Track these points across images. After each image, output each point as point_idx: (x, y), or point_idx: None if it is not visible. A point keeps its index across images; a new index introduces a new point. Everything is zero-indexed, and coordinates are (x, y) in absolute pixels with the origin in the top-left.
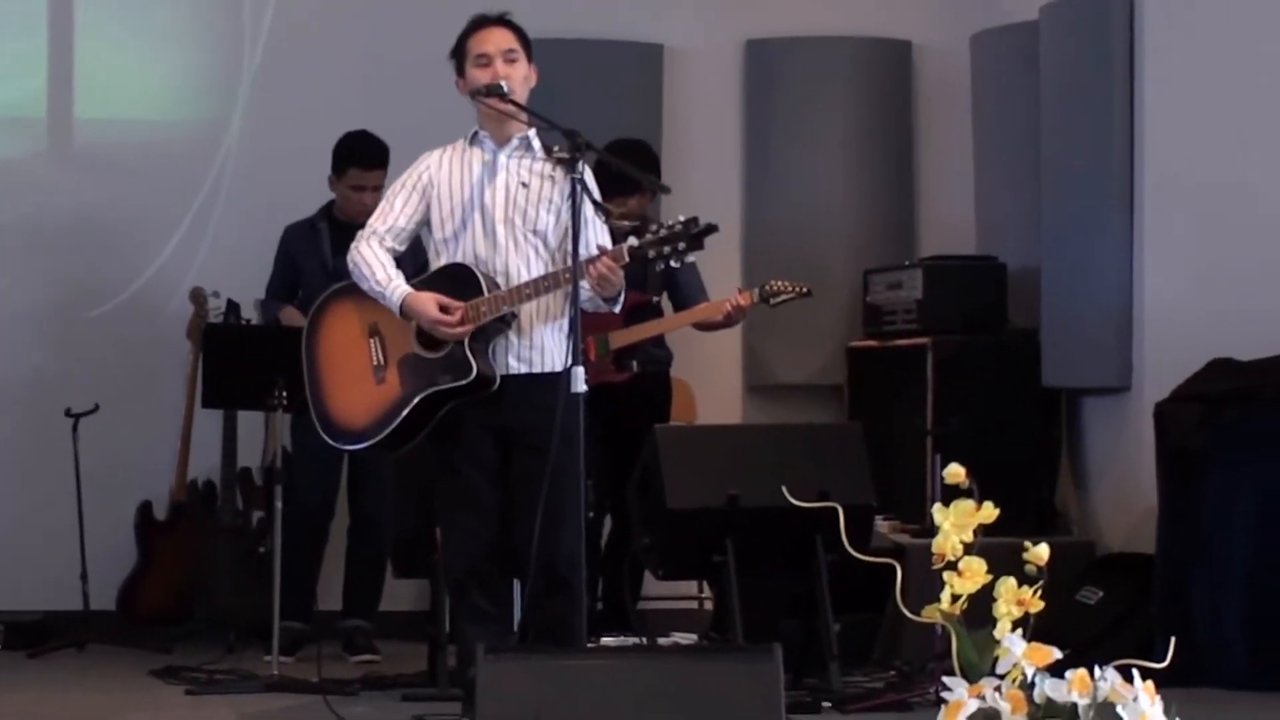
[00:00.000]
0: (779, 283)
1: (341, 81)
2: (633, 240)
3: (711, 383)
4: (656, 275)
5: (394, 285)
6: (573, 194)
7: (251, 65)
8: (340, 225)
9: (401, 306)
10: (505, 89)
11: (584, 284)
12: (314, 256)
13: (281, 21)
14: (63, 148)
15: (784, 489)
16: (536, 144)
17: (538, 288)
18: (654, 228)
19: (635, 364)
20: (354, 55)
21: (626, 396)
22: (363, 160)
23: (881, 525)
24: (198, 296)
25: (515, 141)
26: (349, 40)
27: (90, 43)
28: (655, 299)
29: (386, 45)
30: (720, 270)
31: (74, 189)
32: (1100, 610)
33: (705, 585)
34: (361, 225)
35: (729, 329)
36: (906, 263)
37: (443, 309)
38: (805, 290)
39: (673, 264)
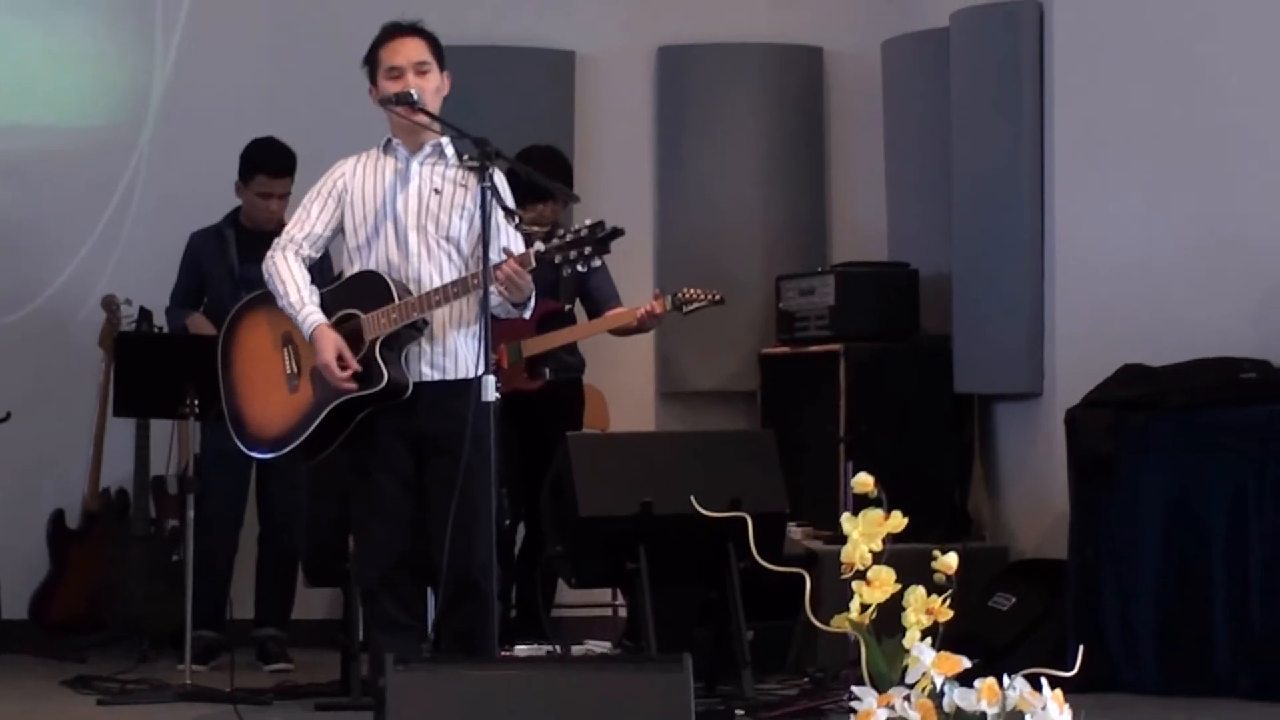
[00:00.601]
0: (691, 290)
1: (255, 88)
2: (539, 245)
3: (624, 389)
4: (569, 282)
5: (307, 312)
6: (483, 201)
7: (163, 71)
8: (247, 232)
9: (311, 335)
10: (415, 97)
11: (494, 290)
12: (220, 264)
13: (194, 28)
14: None
15: (693, 500)
16: (449, 151)
17: (448, 294)
18: (561, 232)
19: (547, 371)
20: (267, 62)
21: (539, 404)
22: (270, 167)
23: (794, 531)
24: (110, 304)
25: (428, 149)
26: (262, 47)
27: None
28: (568, 306)
29: (300, 52)
30: (633, 276)
31: None
32: (1013, 616)
33: (618, 593)
34: (268, 232)
35: (642, 334)
36: (819, 269)
37: (340, 359)
38: (718, 298)
39: (580, 268)
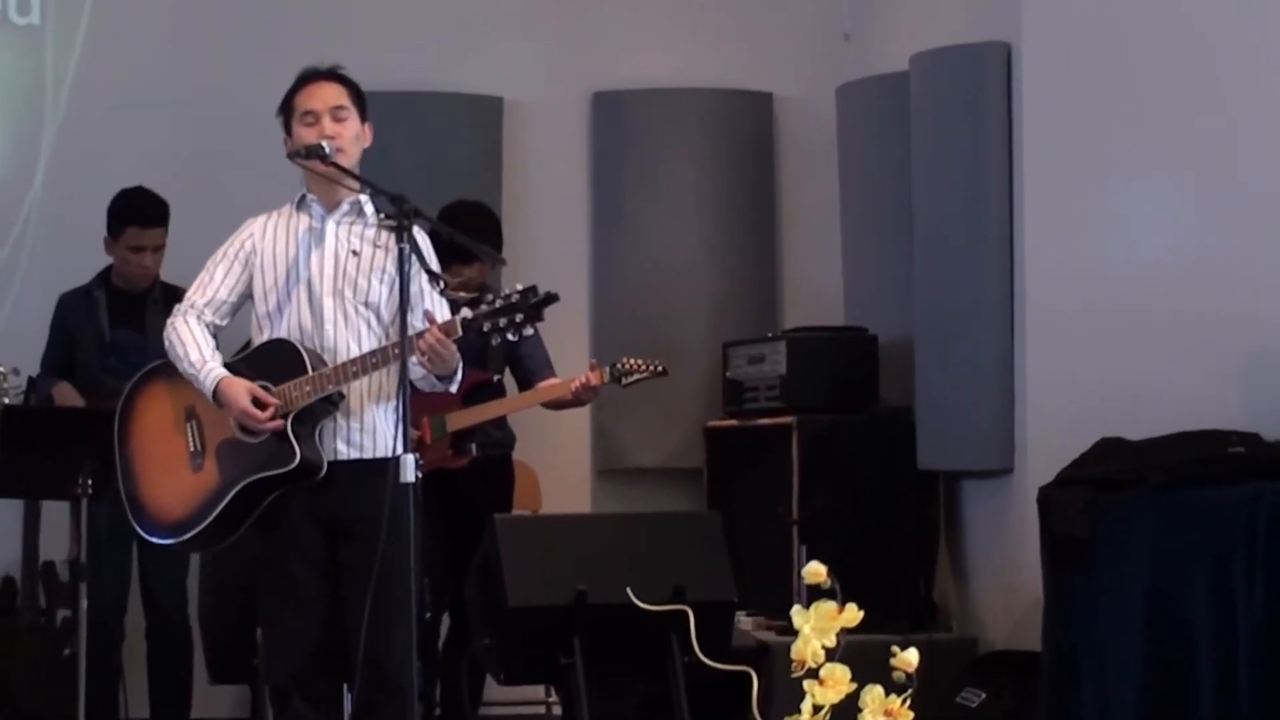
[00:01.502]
0: (632, 361)
1: (154, 142)
2: (466, 312)
3: (557, 466)
4: (498, 351)
5: (208, 368)
6: (400, 266)
7: (54, 121)
8: (118, 293)
9: (215, 392)
10: (327, 150)
11: (416, 361)
12: (90, 328)
13: (88, 71)
14: None
15: (629, 591)
16: (369, 209)
17: (365, 365)
18: (489, 298)
19: (474, 447)
20: (167, 114)
21: (465, 483)
22: (141, 218)
23: (744, 621)
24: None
25: (345, 206)
26: (161, 98)
27: None
28: (497, 377)
29: (202, 103)
30: (567, 343)
31: None
32: (983, 713)
33: (552, 690)
34: (140, 293)
35: (578, 407)
36: (769, 335)
37: (256, 401)
38: (660, 369)
39: (510, 337)
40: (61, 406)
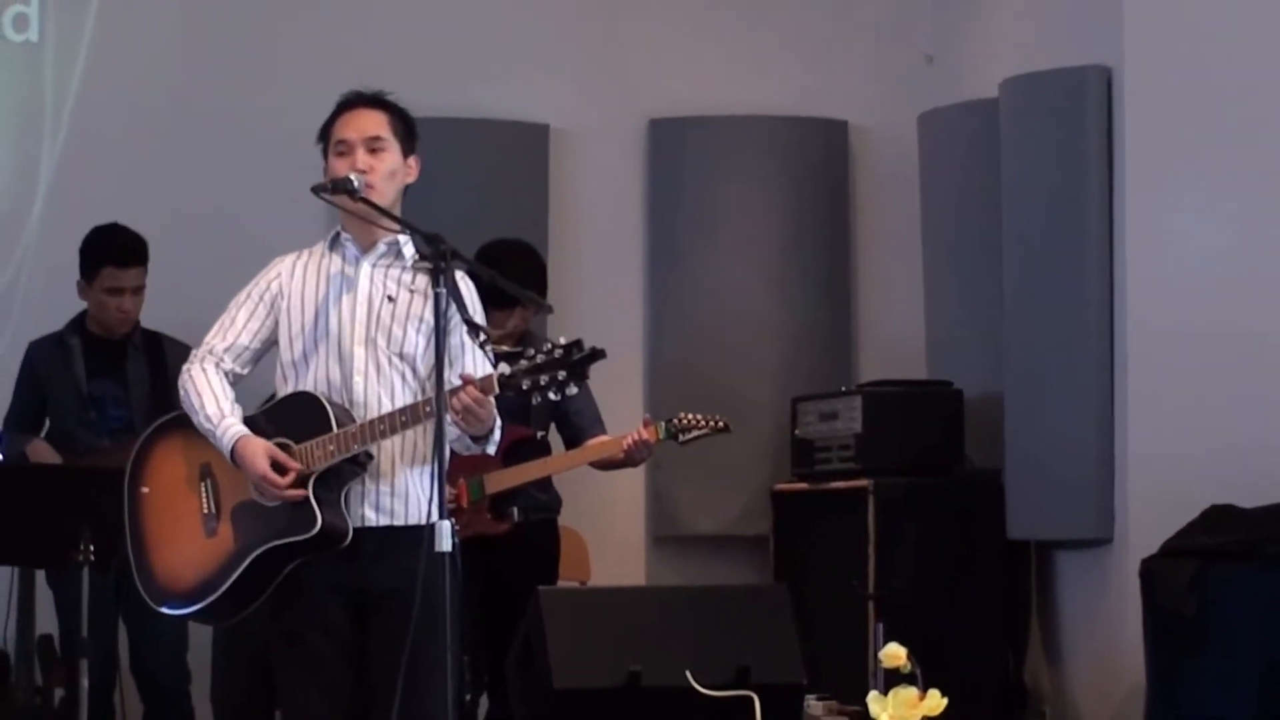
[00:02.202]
0: (689, 416)
1: (161, 169)
2: (504, 368)
3: (609, 533)
4: (542, 406)
5: (226, 424)
6: (435, 313)
7: (54, 146)
8: (95, 340)
9: (232, 451)
10: (355, 185)
11: (450, 421)
12: (65, 379)
13: (91, 92)
14: None
15: (688, 674)
16: (408, 250)
17: (395, 423)
18: (530, 353)
19: (516, 511)
20: (176, 138)
21: (506, 551)
22: (117, 257)
23: (814, 706)
24: None
25: (382, 247)
26: (170, 120)
27: None
28: (541, 433)
29: (215, 128)
30: (620, 397)
31: None
32: None
33: None
34: (118, 340)
35: (630, 468)
36: (843, 389)
37: (275, 465)
38: (721, 424)
39: (552, 396)
40: (57, 464)
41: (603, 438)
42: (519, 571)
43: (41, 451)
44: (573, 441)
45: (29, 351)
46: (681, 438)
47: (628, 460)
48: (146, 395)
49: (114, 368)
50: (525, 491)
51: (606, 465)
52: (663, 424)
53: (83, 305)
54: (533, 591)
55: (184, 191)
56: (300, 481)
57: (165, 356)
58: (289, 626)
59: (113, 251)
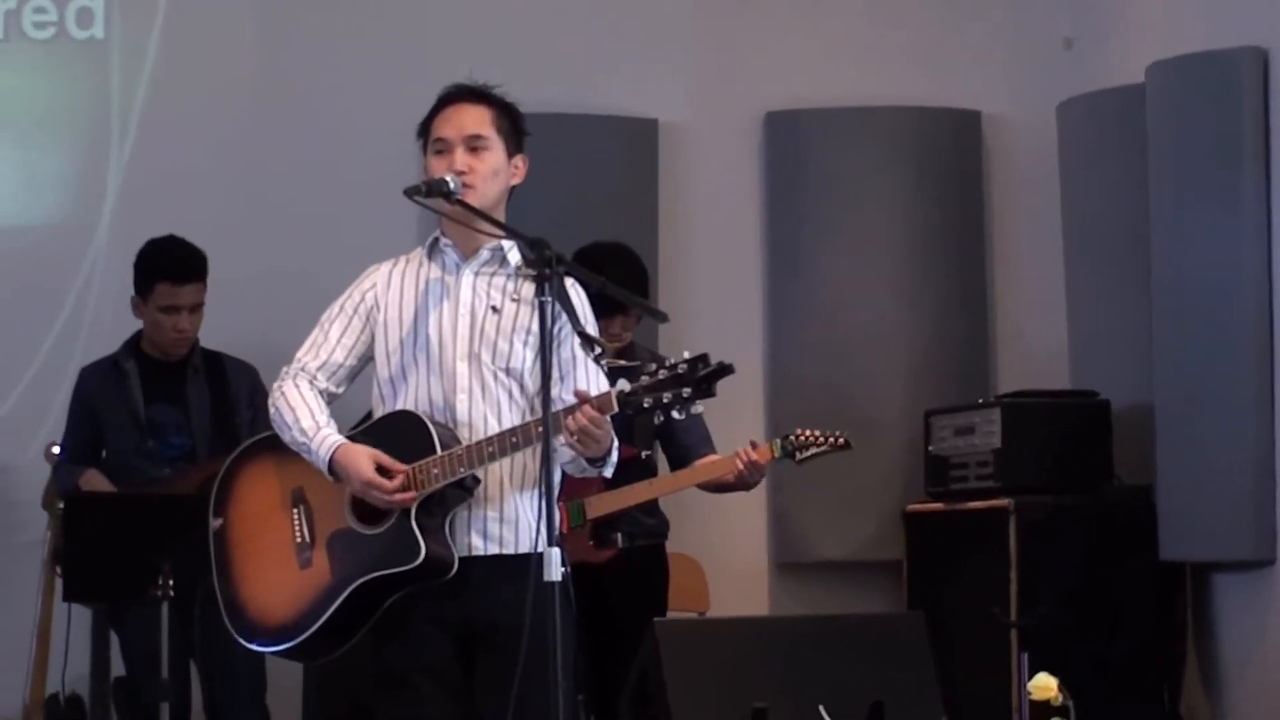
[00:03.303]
0: (807, 432)
1: (243, 169)
2: (624, 384)
3: (729, 561)
4: (648, 423)
5: (321, 435)
6: (542, 324)
7: (122, 151)
8: (152, 363)
9: (330, 463)
10: (452, 187)
11: (563, 442)
12: (121, 406)
13: (161, 92)
14: None
15: (822, 709)
16: (514, 257)
17: (504, 445)
18: (652, 367)
19: (619, 537)
20: (255, 141)
21: (610, 580)
22: (173, 272)
23: None
24: (56, 456)
25: (485, 254)
26: (252, 116)
27: None
28: (646, 453)
29: (303, 125)
30: (738, 413)
31: None
32: None
33: None
34: (177, 362)
35: (743, 491)
36: (980, 401)
37: (380, 469)
38: (842, 441)
39: (676, 415)
40: (139, 492)
41: (712, 457)
42: (624, 602)
43: (94, 482)
44: (680, 461)
45: (81, 378)
46: (799, 456)
47: (739, 483)
48: (209, 420)
49: (173, 392)
50: (630, 515)
51: (717, 488)
52: (778, 441)
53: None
54: (639, 624)
55: (262, 197)
56: (401, 510)
57: (227, 378)
58: (391, 666)
59: (167, 267)
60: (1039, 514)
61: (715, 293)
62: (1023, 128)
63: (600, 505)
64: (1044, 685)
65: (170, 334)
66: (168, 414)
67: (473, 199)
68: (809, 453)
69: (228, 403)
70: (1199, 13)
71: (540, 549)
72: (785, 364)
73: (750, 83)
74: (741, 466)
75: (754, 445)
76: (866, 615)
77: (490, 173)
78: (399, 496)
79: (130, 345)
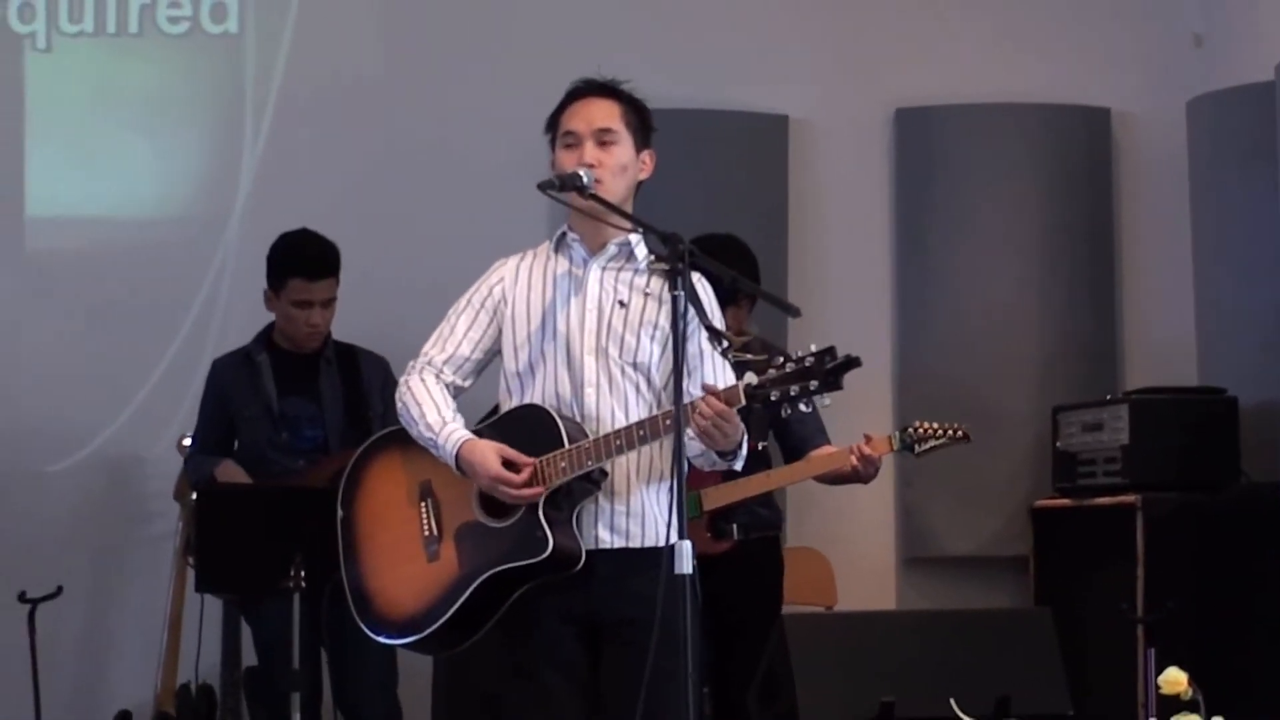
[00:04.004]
0: (927, 425)
1: (373, 164)
2: (751, 377)
3: (856, 555)
4: (762, 413)
5: (448, 430)
6: (674, 317)
7: (255, 144)
8: (284, 355)
9: (457, 457)
10: (585, 181)
11: (692, 435)
12: (254, 398)
13: (294, 87)
14: (9, 254)
15: (953, 701)
16: (640, 251)
17: (631, 438)
18: (780, 361)
19: (736, 529)
20: (388, 130)
21: (726, 572)
22: (306, 268)
23: None
24: (188, 447)
25: (613, 248)
26: (382, 111)
27: (46, 119)
28: (762, 445)
29: (432, 119)
30: (866, 405)
31: (24, 308)
32: None
33: None
34: (310, 354)
35: (860, 484)
36: (1108, 397)
37: (507, 464)
38: (961, 433)
39: (803, 408)
40: (269, 485)
41: (828, 449)
42: (740, 594)
43: (230, 472)
44: (794, 453)
45: (213, 370)
46: (918, 448)
47: (855, 476)
48: (341, 413)
49: (306, 385)
50: (745, 507)
51: (834, 480)
52: (898, 434)
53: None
54: (755, 616)
55: (391, 190)
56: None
57: (360, 371)
58: (519, 660)
59: (301, 262)
60: (1166, 510)
61: (844, 287)
62: (1152, 125)
63: (717, 497)
64: (1174, 680)
65: (303, 328)
66: (300, 406)
67: (602, 192)
68: (928, 445)
69: (360, 395)
70: None
71: (671, 542)
72: (913, 359)
73: (880, 79)
74: (855, 461)
75: (868, 439)
76: (994, 610)
77: (619, 167)
78: (526, 492)
79: (262, 337)
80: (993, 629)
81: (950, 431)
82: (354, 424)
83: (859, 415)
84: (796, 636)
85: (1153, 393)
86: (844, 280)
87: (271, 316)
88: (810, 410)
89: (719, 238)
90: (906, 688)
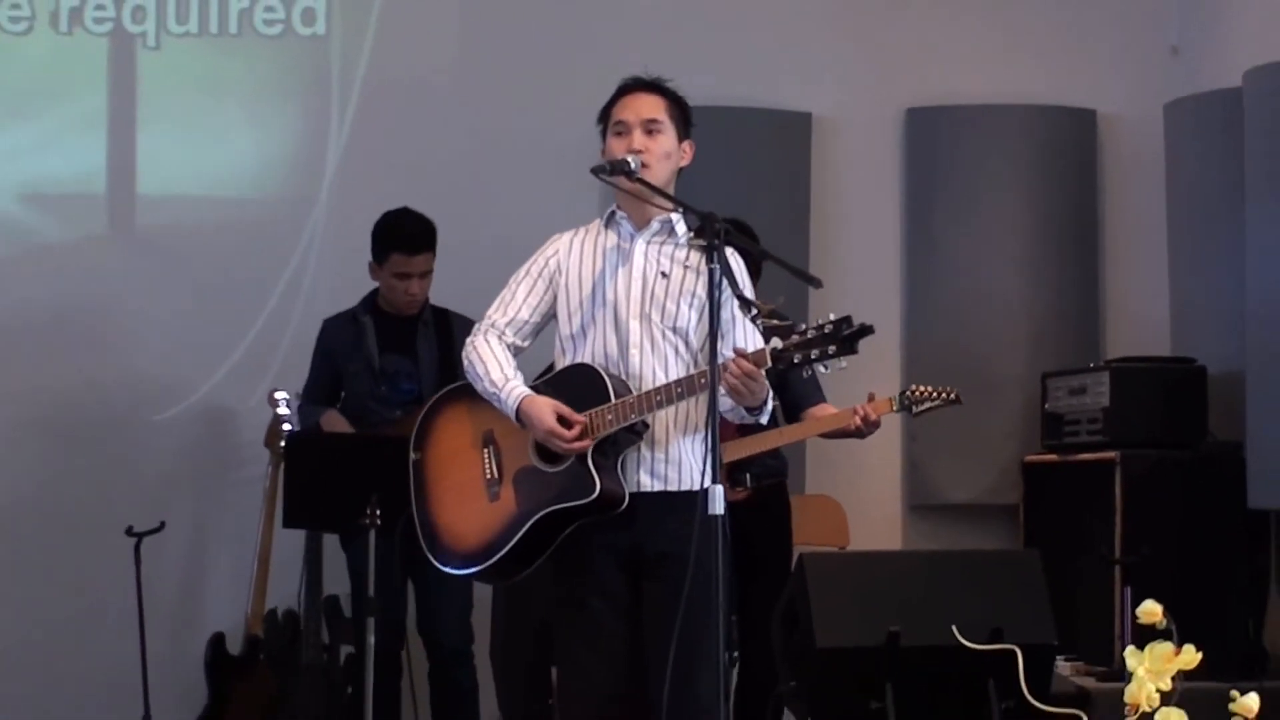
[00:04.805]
0: (921, 388)
1: (445, 151)
2: (776, 342)
3: (867, 502)
4: (768, 376)
5: (510, 387)
6: (710, 287)
7: (340, 134)
8: (386, 318)
9: (518, 411)
10: (633, 166)
11: (724, 392)
12: (358, 355)
13: (375, 83)
14: (123, 228)
15: (955, 629)
16: (681, 228)
17: (670, 394)
18: (802, 327)
19: (749, 478)
20: (457, 124)
21: (744, 516)
22: (406, 243)
23: (1062, 666)
24: (277, 399)
25: (656, 225)
26: (451, 107)
27: (155, 108)
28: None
29: (499, 111)
30: (878, 372)
31: (136, 275)
32: None
33: None
34: (409, 317)
35: (862, 439)
36: (1091, 365)
37: (561, 419)
38: (953, 395)
39: (821, 369)
40: (348, 433)
41: (830, 409)
42: (759, 533)
43: (334, 421)
44: (792, 409)
45: (323, 328)
46: (915, 409)
47: (857, 432)
48: (435, 369)
49: (405, 344)
50: (757, 458)
51: (835, 435)
52: (897, 396)
53: (370, 284)
54: (771, 551)
55: (460, 173)
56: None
57: (453, 332)
58: (569, 590)
59: (401, 238)
60: (1142, 466)
61: (859, 269)
62: (1133, 125)
63: (734, 450)
64: (1150, 610)
65: (403, 296)
66: (399, 363)
67: (649, 176)
68: (924, 406)
69: (452, 354)
70: None
71: (705, 486)
72: (920, 331)
73: (893, 81)
74: (859, 420)
75: (871, 398)
76: (988, 551)
77: (663, 154)
78: (575, 445)
79: (368, 301)
80: (987, 568)
81: (944, 394)
82: (446, 380)
83: (871, 382)
84: (814, 572)
85: (1131, 361)
86: (859, 261)
87: (352, 285)
88: (810, 374)
89: (731, 220)
90: (911, 619)
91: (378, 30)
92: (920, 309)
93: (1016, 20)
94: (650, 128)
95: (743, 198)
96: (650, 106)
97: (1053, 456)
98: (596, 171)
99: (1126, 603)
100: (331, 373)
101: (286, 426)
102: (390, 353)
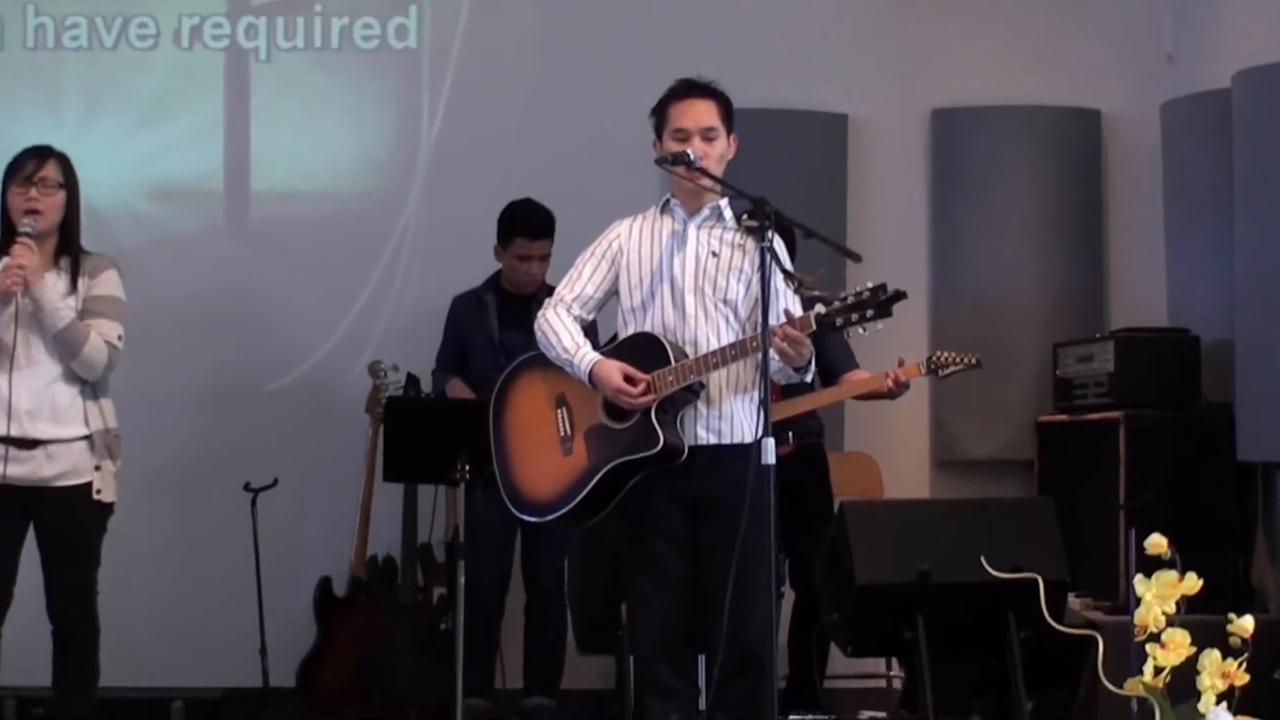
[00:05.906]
0: (946, 354)
1: (523, 151)
2: (820, 308)
3: (898, 457)
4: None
5: (581, 353)
6: (762, 263)
7: (430, 136)
8: (508, 296)
9: (590, 373)
10: (692, 157)
11: (772, 354)
12: (481, 329)
13: (460, 91)
14: (239, 220)
15: (983, 560)
16: (728, 213)
17: (725, 357)
18: (843, 295)
19: (790, 436)
20: (535, 124)
21: (789, 469)
22: (528, 230)
23: (1073, 602)
24: (376, 370)
25: (706, 211)
26: (530, 109)
27: (266, 114)
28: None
29: (569, 114)
30: (907, 342)
31: (251, 262)
32: None
33: (892, 663)
34: (529, 296)
35: (893, 400)
36: (1097, 335)
37: (628, 379)
38: (974, 361)
39: (861, 331)
40: (438, 397)
41: (866, 375)
42: (801, 485)
43: (457, 388)
44: (827, 374)
45: (452, 305)
46: (940, 373)
47: (889, 394)
48: None
49: (523, 320)
50: (798, 419)
51: (868, 397)
52: (925, 361)
53: (449, 275)
54: (813, 500)
55: (537, 169)
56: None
57: None
58: (635, 532)
59: (524, 225)
60: (1144, 424)
61: (891, 253)
62: (1133, 123)
63: (779, 410)
64: (1157, 542)
65: (524, 276)
66: (517, 338)
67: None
68: (948, 370)
69: None
70: (1276, 32)
71: (759, 437)
72: (945, 307)
73: (920, 85)
74: (891, 383)
75: (901, 363)
76: (1007, 499)
77: (719, 157)
78: (641, 400)
79: (492, 281)
80: (1006, 514)
81: (966, 360)
82: None
83: (902, 351)
84: (853, 518)
85: (1133, 332)
86: (890, 246)
87: (440, 272)
88: (839, 339)
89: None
90: (939, 559)
91: (463, 44)
92: (945, 288)
93: (1029, 30)
94: (709, 135)
95: (787, 191)
96: (707, 114)
97: (1064, 417)
98: (661, 162)
99: (1131, 543)
100: (458, 346)
101: (388, 393)
102: (509, 328)
